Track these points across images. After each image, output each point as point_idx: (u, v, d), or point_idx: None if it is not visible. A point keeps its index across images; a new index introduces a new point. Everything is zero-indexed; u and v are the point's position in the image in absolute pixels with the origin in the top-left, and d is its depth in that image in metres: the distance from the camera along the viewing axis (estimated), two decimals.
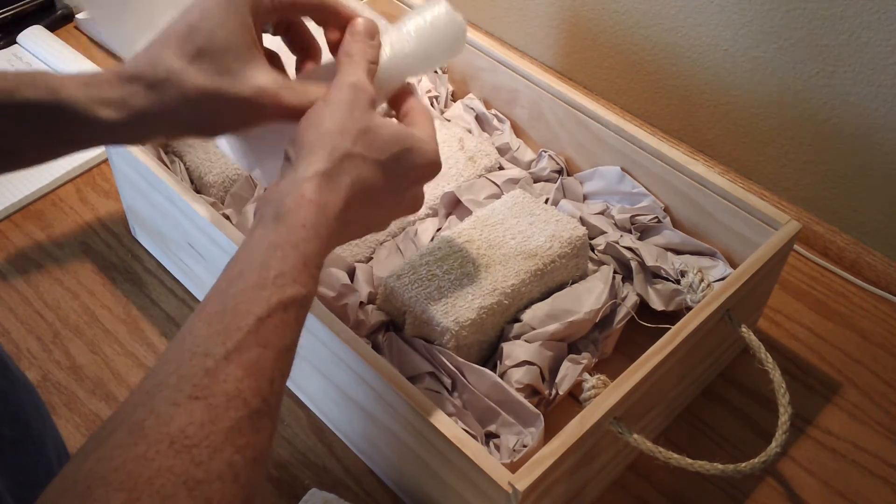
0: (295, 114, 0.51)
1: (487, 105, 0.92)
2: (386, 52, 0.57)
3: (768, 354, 0.66)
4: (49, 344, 0.79)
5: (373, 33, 0.55)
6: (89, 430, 0.73)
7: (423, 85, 0.93)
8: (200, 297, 0.82)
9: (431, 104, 0.92)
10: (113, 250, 0.87)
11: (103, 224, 0.90)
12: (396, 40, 0.57)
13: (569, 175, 0.86)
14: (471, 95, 0.93)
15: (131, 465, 0.36)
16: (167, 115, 0.49)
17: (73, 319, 0.81)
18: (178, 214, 0.74)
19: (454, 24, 0.59)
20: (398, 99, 0.58)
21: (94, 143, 0.51)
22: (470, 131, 0.89)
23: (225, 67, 0.49)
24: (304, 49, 0.58)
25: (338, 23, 0.56)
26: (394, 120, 0.53)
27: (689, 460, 0.60)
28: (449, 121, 0.90)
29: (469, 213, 0.78)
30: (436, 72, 0.94)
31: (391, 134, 0.51)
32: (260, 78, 0.50)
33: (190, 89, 0.49)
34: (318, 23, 0.56)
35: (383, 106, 0.60)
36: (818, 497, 0.70)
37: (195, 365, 0.40)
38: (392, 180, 0.51)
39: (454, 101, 0.94)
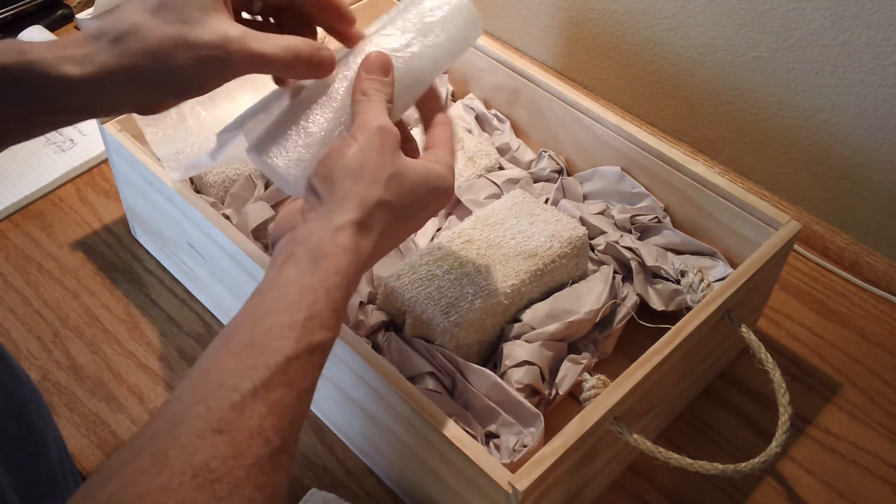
0: (265, 62, 0.51)
1: (487, 105, 0.92)
2: (400, 65, 0.56)
3: (768, 354, 0.66)
4: (49, 344, 0.79)
5: (387, 69, 0.55)
6: (89, 430, 0.73)
7: None
8: (200, 297, 0.82)
9: None
10: (113, 250, 0.87)
11: (103, 224, 0.90)
12: (414, 51, 0.57)
13: (569, 175, 0.86)
14: (471, 95, 0.93)
15: (155, 494, 0.36)
16: (133, 70, 0.49)
17: (73, 319, 0.81)
18: (178, 214, 0.74)
19: (468, 14, 0.59)
20: (425, 110, 0.58)
21: (67, 106, 0.50)
22: (470, 131, 0.89)
23: (187, 16, 0.49)
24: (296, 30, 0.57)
25: (329, 16, 0.56)
26: (418, 160, 0.53)
27: (689, 460, 0.60)
28: None
29: (469, 213, 0.78)
30: None
31: (417, 176, 0.52)
32: (224, 25, 0.50)
33: (152, 39, 0.49)
34: (311, 10, 0.56)
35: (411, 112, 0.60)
36: (818, 497, 0.70)
37: (222, 398, 0.40)
38: (416, 217, 0.54)
39: (454, 101, 0.94)
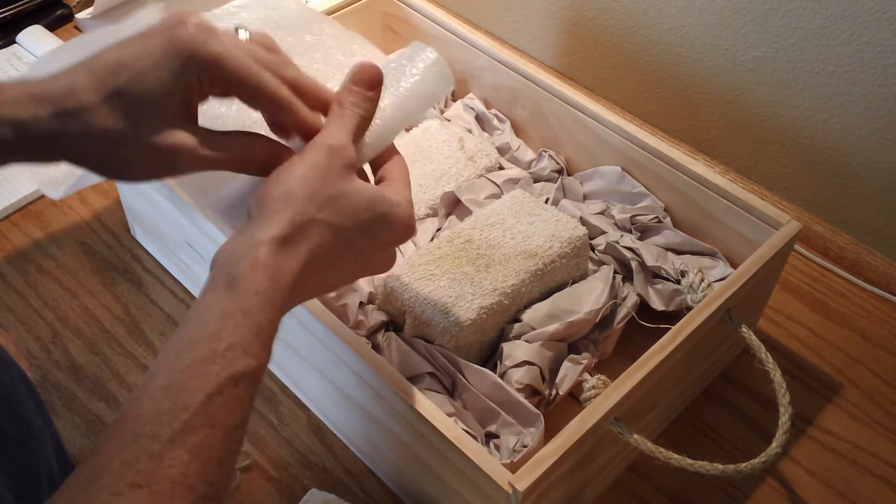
0: (217, 164, 0.48)
1: (487, 105, 0.92)
2: (377, 119, 0.52)
3: (768, 354, 0.66)
4: (49, 344, 0.79)
5: (373, 82, 0.51)
6: (89, 429, 0.73)
7: None
8: None
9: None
10: (112, 250, 0.87)
11: (103, 224, 0.90)
12: (388, 103, 0.53)
13: (569, 175, 0.86)
14: (471, 95, 0.93)
15: None
16: (70, 147, 0.46)
17: (73, 319, 0.81)
18: (178, 214, 0.74)
19: (443, 74, 0.56)
20: (377, 156, 0.54)
21: None
22: (470, 131, 0.89)
23: (139, 117, 0.45)
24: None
25: (286, 127, 0.50)
26: (369, 184, 0.49)
27: (690, 460, 0.60)
28: (449, 121, 0.90)
29: (469, 213, 0.78)
30: None
31: (364, 200, 0.48)
32: (176, 134, 0.46)
33: (97, 128, 0.45)
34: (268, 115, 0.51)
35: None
36: (818, 497, 0.70)
37: (139, 448, 0.38)
38: (360, 245, 0.49)
39: (454, 101, 0.94)
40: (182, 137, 0.46)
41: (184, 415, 0.39)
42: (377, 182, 0.53)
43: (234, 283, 0.43)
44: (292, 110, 0.49)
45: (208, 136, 0.47)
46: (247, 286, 0.43)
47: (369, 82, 0.51)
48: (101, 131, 0.45)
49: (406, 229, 0.50)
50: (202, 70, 0.46)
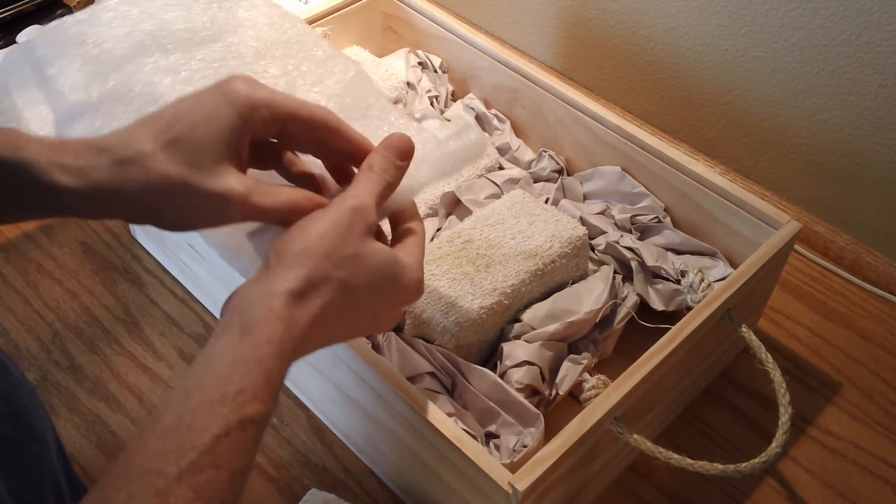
0: (264, 215, 0.49)
1: (487, 105, 0.92)
2: (406, 178, 0.53)
3: (768, 354, 0.66)
4: (49, 344, 0.79)
5: (406, 153, 0.52)
6: (89, 430, 0.73)
7: (423, 85, 0.93)
8: (200, 298, 0.82)
9: (431, 104, 0.92)
10: (113, 250, 0.87)
11: (103, 224, 0.89)
12: (420, 167, 0.54)
13: (569, 175, 0.86)
14: (471, 95, 0.93)
15: None
16: (128, 195, 0.47)
17: (73, 319, 0.81)
18: None
19: (479, 148, 0.57)
20: (398, 213, 0.55)
21: (54, 209, 0.48)
22: None
23: (197, 161, 0.47)
24: (298, 178, 0.55)
25: (341, 152, 0.52)
26: (384, 247, 0.50)
27: (690, 460, 0.60)
28: (449, 120, 0.90)
29: (469, 213, 0.78)
30: (435, 71, 0.94)
31: (379, 262, 0.49)
32: (231, 178, 0.47)
33: (156, 174, 0.46)
34: (318, 155, 0.53)
35: None
36: (818, 497, 0.70)
37: (146, 484, 0.38)
38: (369, 303, 0.50)
39: (454, 101, 0.94)
40: (235, 184, 0.47)
41: (191, 454, 0.39)
42: (393, 238, 0.54)
43: (248, 329, 0.44)
44: (345, 132, 0.51)
45: (259, 186, 0.49)
46: (261, 334, 0.44)
47: (401, 153, 0.52)
48: (158, 177, 0.46)
49: (414, 292, 0.52)
50: (255, 114, 0.48)
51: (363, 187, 0.50)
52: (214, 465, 0.40)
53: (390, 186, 0.52)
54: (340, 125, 0.51)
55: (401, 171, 0.52)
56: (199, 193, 0.47)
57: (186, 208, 0.48)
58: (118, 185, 0.46)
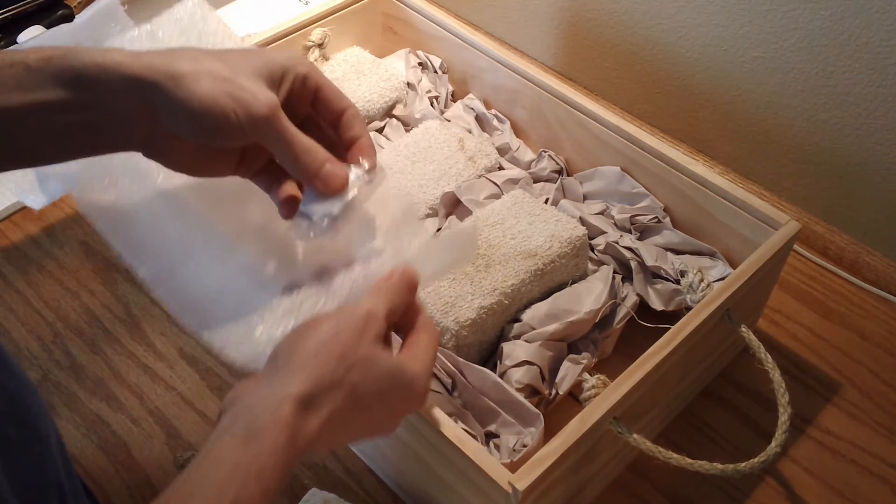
0: (285, 140, 0.50)
1: (487, 105, 0.92)
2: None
3: (768, 354, 0.66)
4: (49, 344, 0.79)
5: (412, 287, 0.53)
6: (90, 430, 0.73)
7: (423, 85, 0.93)
8: None
9: (431, 104, 0.92)
10: (114, 250, 0.87)
11: None
12: (417, 262, 0.55)
13: (569, 175, 0.86)
14: (471, 95, 0.93)
15: None
16: (175, 73, 0.48)
17: (73, 319, 0.81)
18: None
19: (473, 245, 0.59)
20: (408, 313, 0.54)
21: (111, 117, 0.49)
22: (470, 131, 0.89)
23: (240, 70, 0.50)
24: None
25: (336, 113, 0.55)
26: (392, 356, 0.50)
27: (689, 460, 0.61)
28: (449, 121, 0.90)
29: (469, 213, 0.78)
30: (435, 72, 0.94)
31: (388, 369, 0.49)
32: (272, 95, 0.50)
33: (203, 65, 0.49)
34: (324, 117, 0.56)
35: None
36: (818, 497, 0.70)
37: None
38: (374, 410, 0.49)
39: (454, 101, 0.94)
40: (271, 94, 0.50)
41: None
42: (403, 344, 0.53)
43: (253, 436, 0.43)
44: (358, 116, 0.55)
45: (294, 128, 0.51)
46: (265, 443, 0.43)
47: (408, 285, 0.52)
48: (206, 67, 0.49)
49: (419, 401, 0.51)
50: (297, 67, 0.53)
51: (377, 297, 0.50)
52: None
53: (399, 308, 0.52)
54: (356, 111, 0.55)
55: (407, 297, 0.52)
56: (236, 85, 0.49)
57: (220, 97, 0.48)
58: (168, 63, 0.48)
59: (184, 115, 0.49)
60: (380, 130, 0.91)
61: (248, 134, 0.50)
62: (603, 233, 0.79)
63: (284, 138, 0.50)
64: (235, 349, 0.53)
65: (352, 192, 0.53)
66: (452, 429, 0.57)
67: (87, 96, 0.48)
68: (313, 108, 0.55)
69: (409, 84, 0.93)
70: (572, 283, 0.74)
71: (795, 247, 0.89)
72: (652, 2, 0.94)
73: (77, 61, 0.48)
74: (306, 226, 0.54)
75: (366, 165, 0.54)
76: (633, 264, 0.76)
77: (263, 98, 0.49)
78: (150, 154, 0.53)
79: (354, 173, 0.54)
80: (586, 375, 0.63)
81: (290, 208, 0.54)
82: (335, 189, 0.52)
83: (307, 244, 0.57)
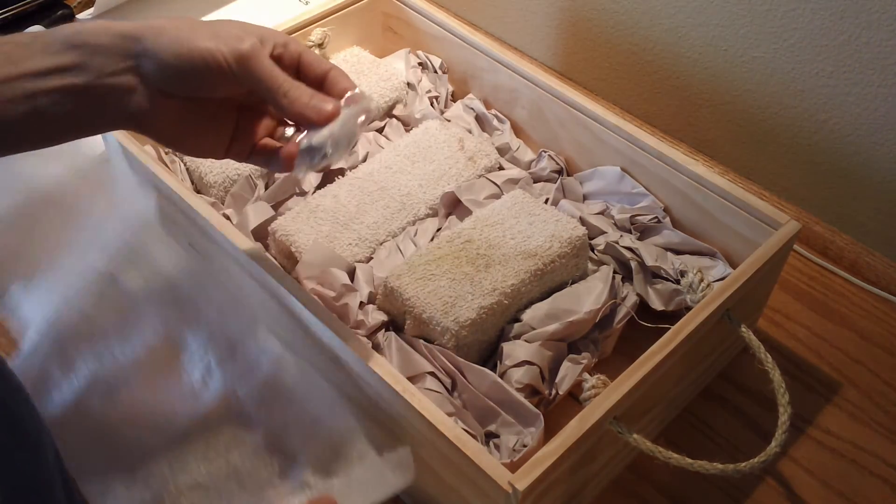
0: (264, 73, 0.53)
1: (487, 105, 0.92)
2: None
3: (768, 354, 0.66)
4: None
5: None
6: None
7: (423, 85, 0.93)
8: None
9: (431, 105, 0.92)
10: None
11: None
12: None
13: (569, 175, 0.86)
14: (471, 95, 0.93)
15: None
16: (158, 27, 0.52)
17: None
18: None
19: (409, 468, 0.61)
20: None
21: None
22: (470, 131, 0.89)
23: (225, 29, 0.53)
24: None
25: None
26: None
27: (689, 460, 0.61)
28: (449, 121, 0.90)
29: (469, 213, 0.78)
30: (435, 72, 0.95)
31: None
32: (255, 42, 0.53)
33: (182, 34, 0.52)
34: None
35: None
36: (818, 497, 0.70)
37: None
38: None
39: (454, 101, 0.94)
40: (258, 43, 0.53)
41: None
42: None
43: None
44: (343, 73, 0.57)
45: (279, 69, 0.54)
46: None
47: None
48: (189, 23, 0.52)
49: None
50: (277, 36, 0.55)
51: None
52: None
53: None
54: (334, 68, 0.57)
55: None
56: (222, 31, 0.52)
57: (207, 40, 0.52)
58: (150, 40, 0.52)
59: (170, 60, 0.52)
60: (380, 130, 0.91)
61: (236, 73, 0.52)
62: (603, 233, 0.79)
63: (273, 73, 0.53)
64: None
65: (344, 112, 0.55)
66: (452, 429, 0.57)
67: (73, 56, 0.51)
68: (297, 75, 0.57)
69: (409, 84, 0.93)
70: (572, 283, 0.74)
71: (795, 247, 0.89)
72: (652, 2, 0.94)
73: (65, 29, 0.51)
74: (308, 158, 0.56)
75: (349, 92, 0.56)
76: (633, 264, 0.76)
77: (248, 39, 0.53)
78: (135, 125, 0.54)
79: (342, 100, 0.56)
80: (586, 375, 0.63)
81: (292, 162, 0.57)
82: (328, 113, 0.54)
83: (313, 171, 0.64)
